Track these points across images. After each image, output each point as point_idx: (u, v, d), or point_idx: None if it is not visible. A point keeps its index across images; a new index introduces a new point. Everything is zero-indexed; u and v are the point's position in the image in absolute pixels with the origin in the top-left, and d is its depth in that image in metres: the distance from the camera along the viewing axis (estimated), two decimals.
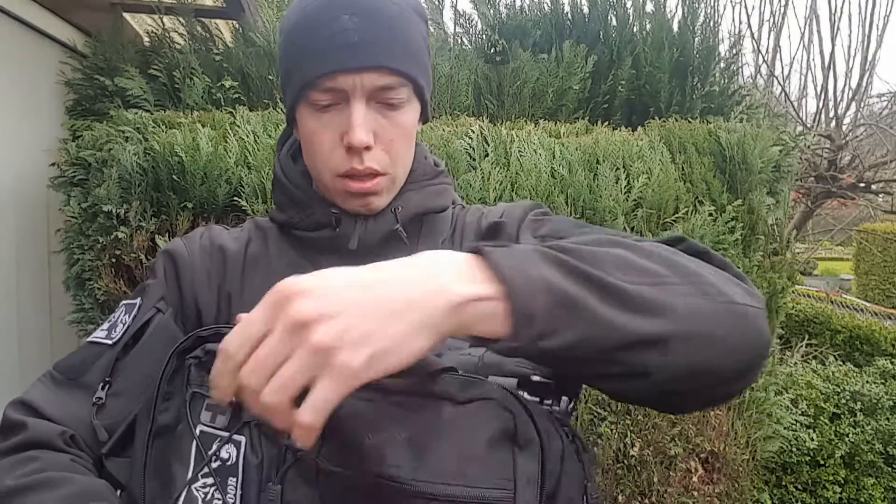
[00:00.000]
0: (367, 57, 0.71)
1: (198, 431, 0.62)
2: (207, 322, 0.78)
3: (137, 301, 0.79)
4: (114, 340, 0.75)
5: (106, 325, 0.79)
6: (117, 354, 0.74)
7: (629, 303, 0.51)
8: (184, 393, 0.64)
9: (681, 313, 0.52)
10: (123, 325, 0.77)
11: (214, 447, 0.62)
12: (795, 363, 3.85)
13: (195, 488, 0.61)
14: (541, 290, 0.48)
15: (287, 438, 0.50)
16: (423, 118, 0.83)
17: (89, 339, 0.78)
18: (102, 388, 0.72)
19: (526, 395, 0.58)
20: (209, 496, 0.61)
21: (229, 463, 0.61)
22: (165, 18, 2.39)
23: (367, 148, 0.73)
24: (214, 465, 0.61)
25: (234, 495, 0.60)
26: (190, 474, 0.62)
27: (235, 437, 0.62)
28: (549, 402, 0.59)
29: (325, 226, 0.79)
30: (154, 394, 0.66)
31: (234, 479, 0.61)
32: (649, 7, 2.61)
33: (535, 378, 0.60)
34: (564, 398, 0.60)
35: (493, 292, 0.48)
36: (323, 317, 0.45)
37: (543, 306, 0.48)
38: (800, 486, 3.07)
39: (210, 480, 0.61)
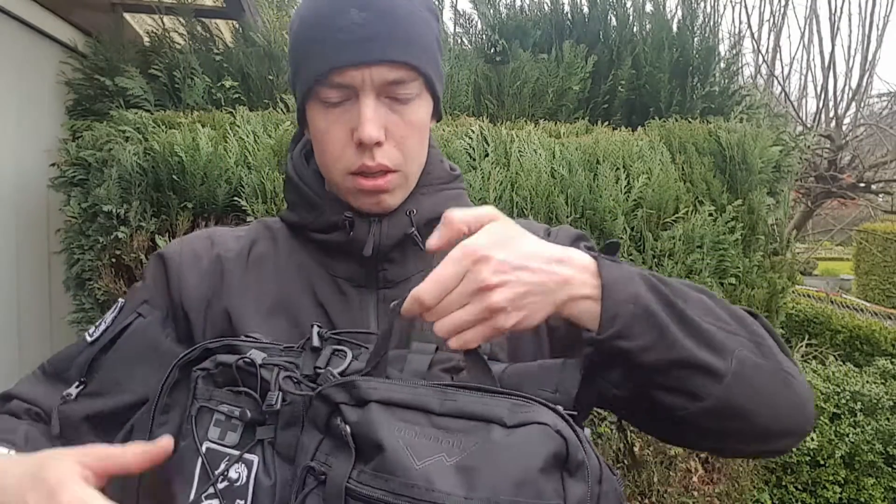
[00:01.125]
0: (375, 51, 0.69)
1: (204, 448, 0.59)
2: (196, 327, 0.77)
3: (121, 303, 0.79)
4: (92, 339, 0.76)
5: (99, 322, 0.79)
6: (94, 354, 0.74)
7: (700, 336, 0.62)
8: (187, 407, 0.61)
9: (740, 359, 0.62)
10: (104, 324, 0.77)
11: (223, 466, 0.58)
12: (795, 363, 3.85)
13: None
14: (629, 301, 0.60)
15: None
16: (437, 115, 0.82)
17: (86, 332, 0.79)
18: (77, 386, 0.73)
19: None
20: None
21: (238, 484, 0.58)
22: (165, 18, 2.39)
23: (378, 144, 0.71)
24: (221, 485, 0.58)
25: None
26: (193, 495, 0.58)
27: (247, 456, 0.58)
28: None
29: (337, 227, 0.77)
30: (152, 406, 0.63)
31: (242, 502, 0.57)
32: (649, 7, 2.61)
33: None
34: (587, 429, 0.61)
35: (595, 295, 0.61)
36: (501, 285, 0.58)
37: (627, 313, 0.60)
38: (800, 486, 3.07)
39: (215, 502, 0.57)
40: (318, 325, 0.66)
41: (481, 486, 0.50)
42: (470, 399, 0.55)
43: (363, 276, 0.78)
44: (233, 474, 0.58)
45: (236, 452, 0.59)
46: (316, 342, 0.64)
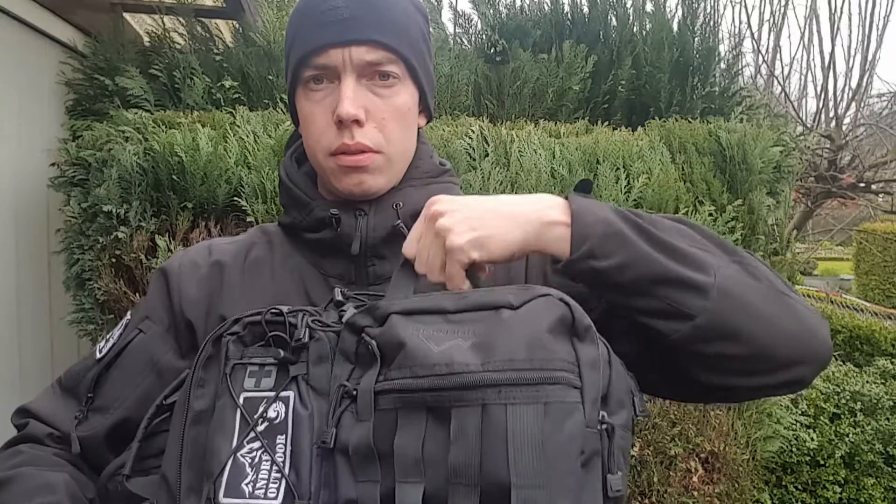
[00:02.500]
0: (355, 31, 0.72)
1: (241, 400, 0.61)
2: (199, 334, 0.78)
3: (128, 318, 0.82)
4: (101, 355, 0.79)
5: (107, 336, 0.82)
6: (101, 371, 0.78)
7: (675, 253, 0.62)
8: (220, 375, 0.63)
9: (724, 273, 0.62)
10: (112, 340, 0.80)
11: (261, 409, 0.60)
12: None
13: (240, 455, 0.59)
14: (599, 223, 0.62)
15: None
16: (427, 113, 0.83)
17: (97, 345, 0.82)
18: (85, 403, 0.77)
19: None
20: (256, 459, 0.59)
21: (277, 421, 0.60)
22: (165, 18, 2.39)
23: (358, 123, 0.73)
24: (261, 427, 0.60)
25: (284, 453, 0.59)
26: (235, 442, 0.60)
27: (283, 393, 0.61)
28: None
29: (325, 225, 0.78)
30: (189, 383, 0.66)
31: (283, 437, 0.60)
32: (649, 7, 2.61)
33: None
34: None
35: (567, 221, 0.63)
36: (447, 212, 0.64)
37: (597, 234, 0.62)
38: (800, 486, 3.07)
39: (257, 444, 0.60)
40: (341, 288, 0.70)
41: (497, 355, 0.54)
42: (479, 294, 0.61)
43: (353, 273, 0.79)
44: (271, 413, 0.61)
45: (273, 393, 0.61)
46: (339, 297, 0.68)
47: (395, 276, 0.69)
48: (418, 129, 0.84)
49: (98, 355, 0.79)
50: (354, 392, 0.58)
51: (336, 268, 0.79)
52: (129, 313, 0.84)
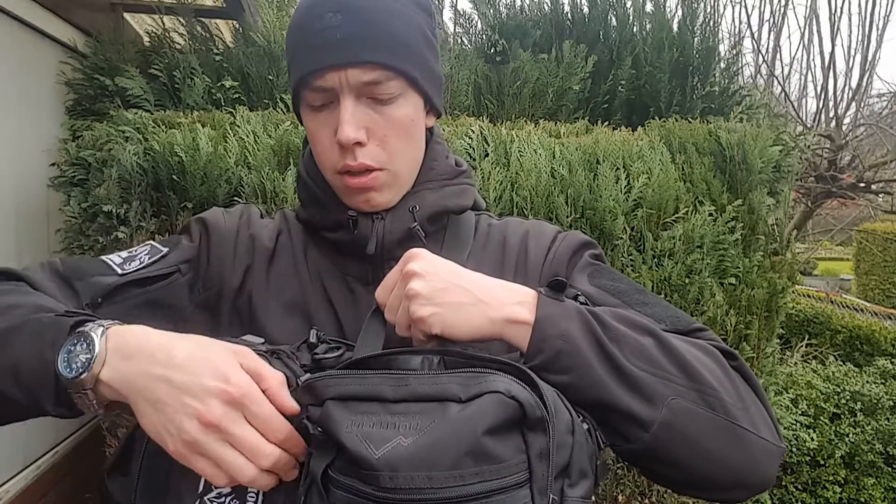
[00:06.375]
0: (349, 53, 0.70)
1: None
2: (225, 302, 0.78)
3: (165, 251, 0.79)
4: (124, 272, 0.75)
5: (124, 255, 0.78)
6: (121, 284, 0.74)
7: (627, 381, 0.61)
8: None
9: (673, 406, 0.61)
10: (140, 263, 0.77)
11: None
12: (795, 363, 3.85)
13: (207, 499, 0.59)
14: (557, 338, 0.62)
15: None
16: (434, 112, 0.82)
17: (102, 257, 0.78)
18: (88, 305, 0.72)
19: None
20: None
21: None
22: (165, 18, 2.39)
23: (360, 144, 0.73)
24: None
25: (256, 503, 0.59)
26: (202, 487, 0.59)
27: None
28: None
29: (342, 226, 0.78)
30: None
31: (255, 492, 0.59)
32: (649, 7, 2.61)
33: None
34: None
35: (530, 320, 0.63)
36: (420, 275, 0.65)
37: (552, 349, 0.62)
38: (800, 486, 3.07)
39: (226, 490, 0.59)
40: (317, 329, 0.69)
41: (442, 464, 0.51)
42: (420, 381, 0.57)
43: (370, 274, 0.79)
44: None
45: None
46: (313, 339, 0.68)
47: (367, 321, 0.69)
48: (433, 127, 0.84)
49: (120, 271, 0.76)
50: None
51: (354, 268, 0.80)
52: (164, 246, 0.80)
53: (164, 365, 0.56)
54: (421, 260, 0.66)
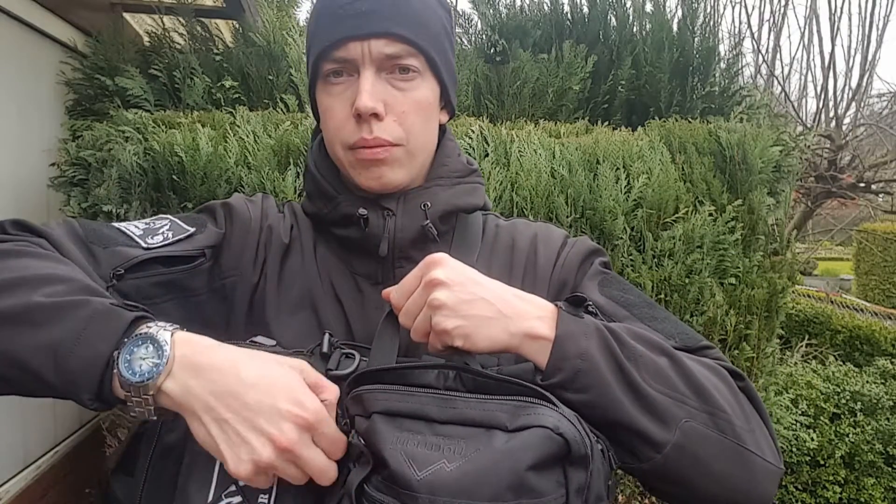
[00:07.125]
0: (374, 24, 0.71)
1: None
2: (239, 293, 0.76)
3: (191, 230, 0.76)
4: (149, 246, 0.72)
5: (142, 225, 0.75)
6: (143, 258, 0.71)
7: (643, 402, 0.61)
8: None
9: (685, 430, 0.62)
10: (164, 239, 0.74)
11: None
12: (795, 363, 3.85)
13: None
14: (576, 357, 0.62)
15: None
16: (449, 109, 0.82)
17: (118, 224, 0.75)
18: (113, 277, 0.68)
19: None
20: None
21: None
22: (165, 18, 2.39)
23: (377, 117, 0.72)
24: (243, 482, 0.57)
25: None
26: (211, 495, 0.58)
27: None
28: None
29: (352, 222, 0.77)
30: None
31: (266, 497, 0.58)
32: (649, 7, 2.61)
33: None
34: None
35: (550, 336, 0.63)
36: (445, 284, 0.63)
37: (572, 368, 0.61)
38: (800, 486, 3.07)
39: (237, 500, 0.58)
40: (330, 334, 0.69)
41: (482, 493, 0.51)
42: (468, 405, 0.57)
43: (380, 273, 0.78)
44: None
45: None
46: (325, 348, 0.67)
47: (381, 325, 0.68)
48: (445, 125, 0.84)
49: (143, 244, 0.72)
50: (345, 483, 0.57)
51: (363, 267, 0.79)
52: (189, 225, 0.78)
53: (235, 383, 0.55)
54: (445, 267, 0.65)
